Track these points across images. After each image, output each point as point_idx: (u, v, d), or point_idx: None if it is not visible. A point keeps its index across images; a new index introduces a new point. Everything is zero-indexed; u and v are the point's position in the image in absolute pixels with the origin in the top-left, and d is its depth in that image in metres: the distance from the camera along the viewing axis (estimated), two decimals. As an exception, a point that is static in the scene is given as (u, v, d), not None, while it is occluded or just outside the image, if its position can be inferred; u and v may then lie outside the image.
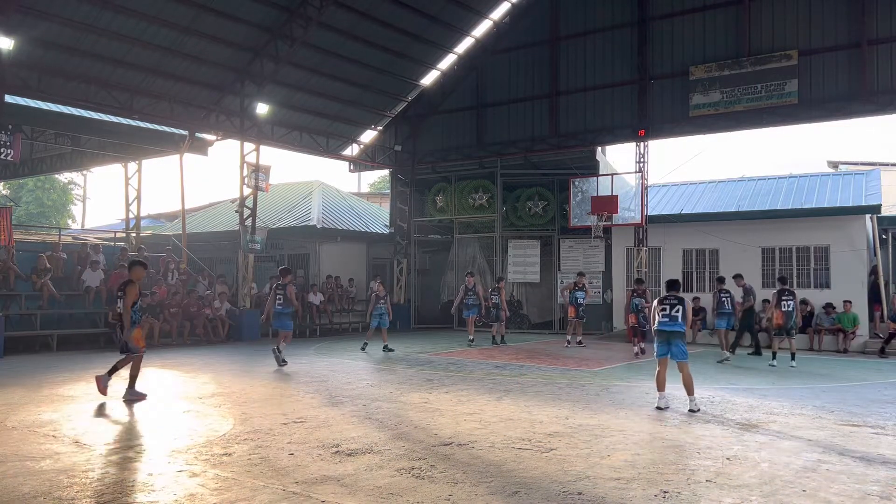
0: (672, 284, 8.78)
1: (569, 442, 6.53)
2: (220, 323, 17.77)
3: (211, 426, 7.22)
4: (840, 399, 9.28)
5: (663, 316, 8.38)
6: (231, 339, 17.93)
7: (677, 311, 8.31)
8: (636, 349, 14.77)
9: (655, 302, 8.71)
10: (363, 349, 14.98)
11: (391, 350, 14.92)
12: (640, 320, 14.38)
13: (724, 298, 14.51)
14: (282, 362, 12.18)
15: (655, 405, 8.32)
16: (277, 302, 12.43)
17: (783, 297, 13.32)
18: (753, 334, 15.30)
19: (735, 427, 7.30)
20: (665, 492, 4.98)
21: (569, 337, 16.85)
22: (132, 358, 8.89)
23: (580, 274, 17.41)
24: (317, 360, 13.40)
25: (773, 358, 13.15)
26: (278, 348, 12.36)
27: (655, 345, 8.49)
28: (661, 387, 8.37)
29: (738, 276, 15.26)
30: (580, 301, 16.58)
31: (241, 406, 8.41)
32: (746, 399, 9.13)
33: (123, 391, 8.86)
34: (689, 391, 8.21)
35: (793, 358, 13.05)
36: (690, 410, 8.05)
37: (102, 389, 8.73)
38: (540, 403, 8.66)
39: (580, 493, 4.94)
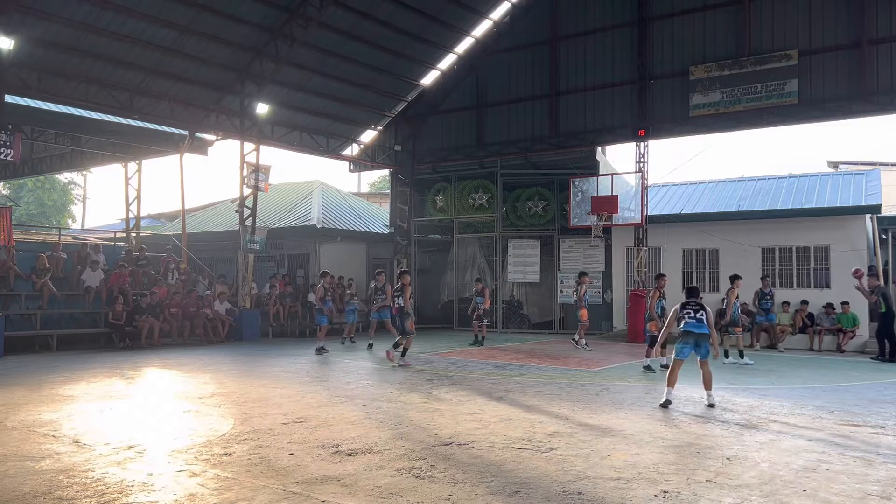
0: (692, 291, 9.05)
1: (569, 442, 6.53)
2: (220, 323, 17.77)
3: (211, 426, 7.22)
4: (840, 399, 9.28)
5: (690, 318, 8.64)
6: (231, 339, 17.93)
7: (702, 315, 8.66)
8: (663, 360, 11.95)
9: (678, 306, 8.95)
10: (351, 342, 16.81)
11: (341, 344, 16.52)
12: (660, 326, 11.63)
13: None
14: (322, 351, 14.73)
15: (663, 400, 8.44)
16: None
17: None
18: (892, 338, 14.21)
19: (735, 427, 7.31)
20: (665, 492, 4.98)
21: (584, 340, 16.12)
22: (406, 337, 12.70)
23: (583, 273, 17.16)
24: (317, 360, 13.40)
25: (741, 356, 13.51)
26: (335, 342, 15.76)
27: (678, 345, 8.65)
28: (671, 384, 8.57)
29: (871, 275, 14.14)
30: (589, 302, 16.38)
31: (241, 406, 8.41)
32: (746, 399, 9.14)
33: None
34: (708, 387, 8.58)
35: (727, 355, 13.45)
36: (709, 405, 8.40)
37: (392, 357, 12.63)
38: (540, 403, 8.67)
39: (580, 493, 4.95)
